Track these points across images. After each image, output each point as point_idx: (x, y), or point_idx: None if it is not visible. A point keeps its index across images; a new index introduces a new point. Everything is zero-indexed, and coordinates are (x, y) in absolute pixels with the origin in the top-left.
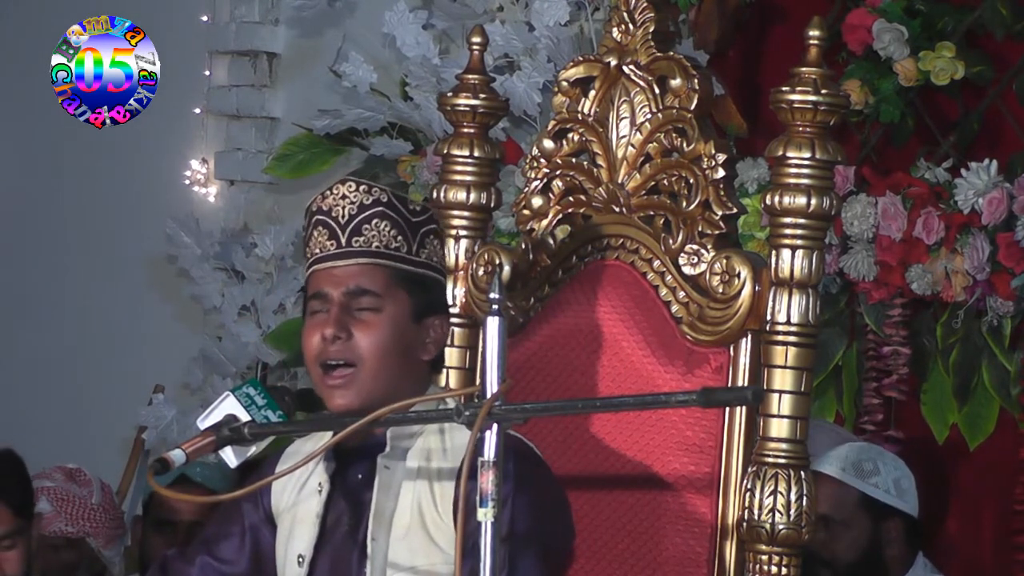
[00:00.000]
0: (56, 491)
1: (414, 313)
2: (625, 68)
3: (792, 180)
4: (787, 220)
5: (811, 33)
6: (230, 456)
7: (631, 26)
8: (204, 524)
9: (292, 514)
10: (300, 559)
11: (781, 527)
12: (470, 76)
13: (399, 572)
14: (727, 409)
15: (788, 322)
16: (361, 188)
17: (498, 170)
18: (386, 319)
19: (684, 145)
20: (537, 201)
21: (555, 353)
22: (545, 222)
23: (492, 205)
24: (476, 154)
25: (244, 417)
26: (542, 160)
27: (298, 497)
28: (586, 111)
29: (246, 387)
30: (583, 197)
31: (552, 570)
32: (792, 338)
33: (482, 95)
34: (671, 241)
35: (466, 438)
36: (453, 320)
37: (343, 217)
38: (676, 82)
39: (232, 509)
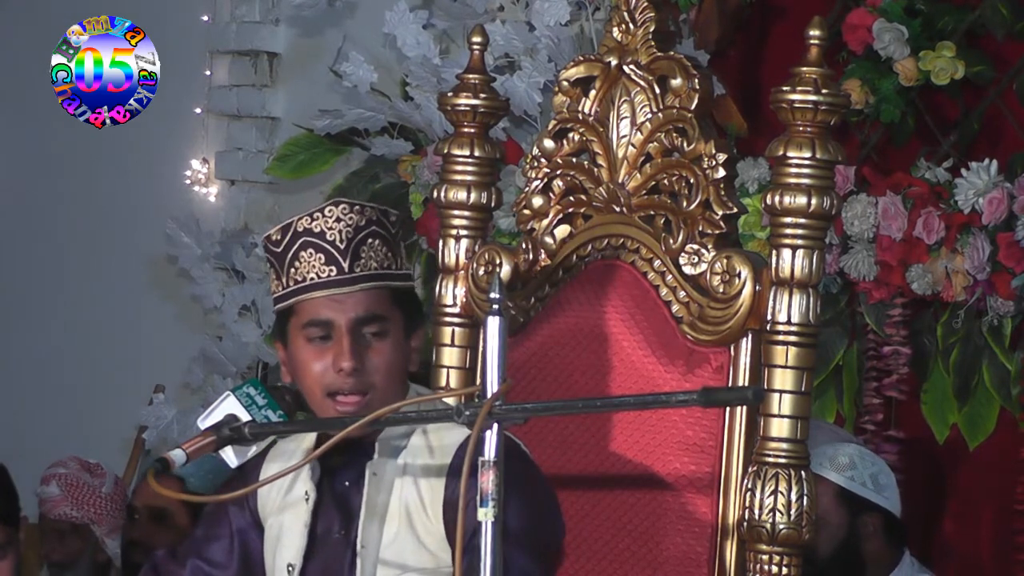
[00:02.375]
0: (67, 477)
1: (406, 330)
2: (625, 68)
3: (792, 180)
4: (787, 220)
5: (811, 33)
6: (230, 456)
7: (631, 26)
8: (162, 515)
9: (279, 521)
10: (290, 568)
11: (782, 527)
12: (470, 76)
13: (390, 570)
14: (727, 409)
15: (788, 322)
16: (354, 209)
17: (498, 170)
18: (391, 342)
19: (684, 145)
20: (537, 201)
21: (555, 353)
22: (545, 222)
23: (492, 205)
24: (476, 154)
25: (244, 417)
26: (542, 160)
27: (284, 503)
28: (586, 111)
29: (246, 387)
30: (583, 197)
31: (545, 568)
32: (792, 338)
33: (482, 95)
34: (671, 241)
35: (454, 437)
36: (453, 320)
37: (341, 241)
38: (676, 82)
39: (219, 511)
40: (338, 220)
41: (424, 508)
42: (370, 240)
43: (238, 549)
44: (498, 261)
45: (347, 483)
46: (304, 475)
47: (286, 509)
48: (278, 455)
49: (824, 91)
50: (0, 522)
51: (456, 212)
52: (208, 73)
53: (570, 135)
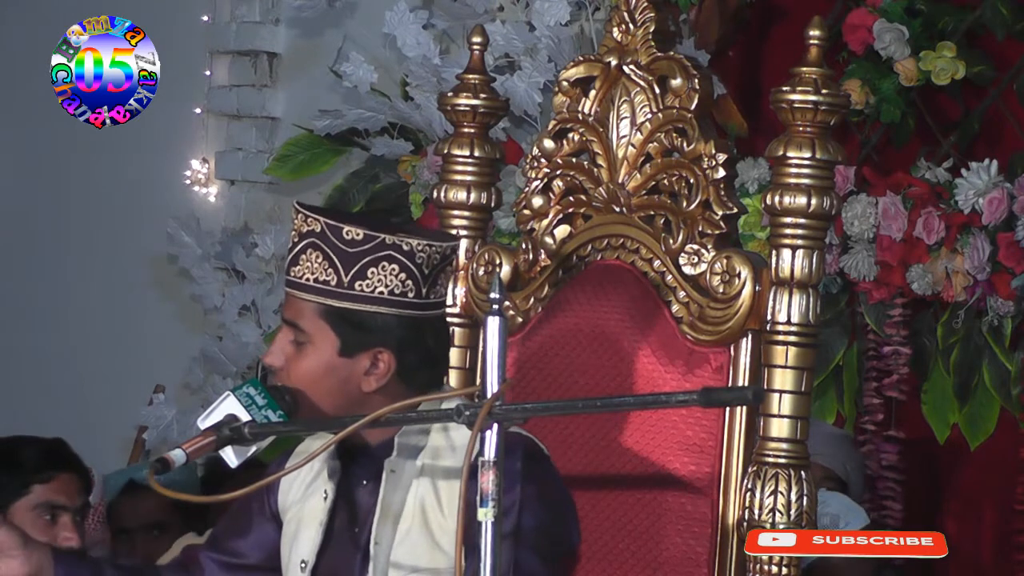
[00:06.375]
0: None
1: (343, 349)
2: (625, 68)
3: (792, 180)
4: (787, 220)
5: (811, 33)
6: (230, 456)
7: (631, 26)
8: (159, 528)
9: (297, 517)
10: (303, 564)
11: (782, 527)
12: (470, 76)
13: (400, 571)
14: (727, 409)
15: (788, 322)
16: (299, 216)
17: (498, 170)
18: (309, 353)
19: (684, 145)
20: (537, 201)
21: (555, 353)
22: (545, 222)
23: (492, 205)
24: (476, 154)
25: (244, 417)
26: (542, 160)
27: (304, 498)
28: (586, 111)
29: (246, 387)
30: (583, 197)
31: (554, 571)
32: (792, 338)
33: (482, 95)
34: (671, 241)
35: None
36: (453, 320)
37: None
38: (676, 82)
39: (242, 506)
40: (292, 221)
41: (440, 507)
42: (311, 251)
43: (260, 543)
44: (498, 261)
45: (365, 482)
46: (323, 473)
47: (305, 506)
48: (302, 453)
49: (824, 91)
50: (82, 488)
51: (456, 212)
52: (208, 73)
53: (570, 135)
